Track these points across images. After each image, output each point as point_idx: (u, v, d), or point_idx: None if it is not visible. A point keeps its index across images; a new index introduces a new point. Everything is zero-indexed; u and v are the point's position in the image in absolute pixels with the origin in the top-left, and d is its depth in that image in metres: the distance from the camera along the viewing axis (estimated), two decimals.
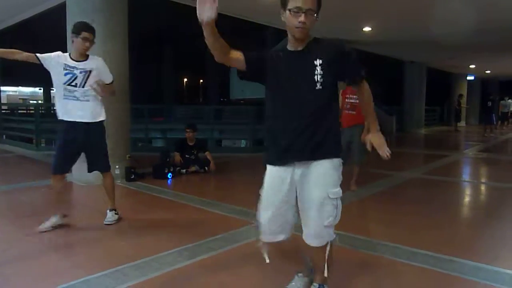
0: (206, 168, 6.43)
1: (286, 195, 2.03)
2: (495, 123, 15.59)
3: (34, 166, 7.44)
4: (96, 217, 3.93)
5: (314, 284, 2.23)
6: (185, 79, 32.02)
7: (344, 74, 2.01)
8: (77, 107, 3.49)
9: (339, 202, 2.05)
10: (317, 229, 2.02)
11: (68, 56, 3.50)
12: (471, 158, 9.41)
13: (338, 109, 2.06)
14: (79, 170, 5.59)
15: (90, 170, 3.75)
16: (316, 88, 1.92)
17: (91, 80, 3.48)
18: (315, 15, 1.89)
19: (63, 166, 3.60)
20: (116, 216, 3.81)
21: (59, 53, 3.52)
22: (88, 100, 3.52)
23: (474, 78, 21.59)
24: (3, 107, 12.11)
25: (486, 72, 19.88)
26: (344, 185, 5.18)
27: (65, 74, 3.44)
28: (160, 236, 3.45)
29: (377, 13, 8.02)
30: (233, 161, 7.48)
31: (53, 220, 3.57)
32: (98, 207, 4.31)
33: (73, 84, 3.46)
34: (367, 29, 9.37)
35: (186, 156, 6.45)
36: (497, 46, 11.45)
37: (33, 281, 2.57)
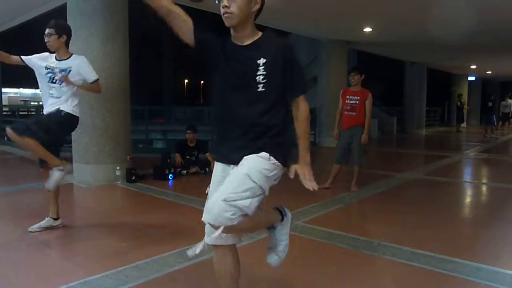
0: (207, 169, 6.42)
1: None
2: (495, 124, 15.57)
3: (34, 168, 7.42)
4: (96, 218, 3.93)
5: None
6: (186, 80, 32.06)
7: (286, 84, 1.79)
8: (53, 103, 3.50)
9: (258, 191, 1.70)
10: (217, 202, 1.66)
11: (54, 57, 3.56)
12: (472, 159, 9.39)
13: (287, 111, 1.83)
14: (78, 171, 5.64)
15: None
16: (258, 90, 1.75)
17: (70, 79, 3.48)
18: None
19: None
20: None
21: (44, 53, 3.58)
22: (60, 97, 3.50)
23: (475, 78, 21.59)
24: (4, 109, 12.12)
25: (487, 72, 19.89)
26: (345, 186, 5.18)
27: (46, 74, 3.51)
28: (161, 237, 3.45)
29: (377, 14, 8.02)
30: None
31: (42, 222, 3.57)
32: (98, 208, 4.32)
33: (53, 82, 3.51)
34: (367, 29, 9.37)
35: (187, 157, 6.46)
36: (497, 47, 11.45)
37: (33, 282, 2.56)
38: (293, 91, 1.82)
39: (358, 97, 5.09)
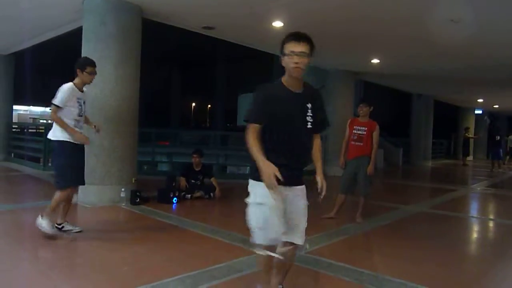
0: (211, 194, 6.41)
1: (278, 206, 2.29)
2: (502, 158, 15.47)
3: (40, 186, 7.47)
4: (98, 240, 3.91)
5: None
6: (193, 104, 32.39)
7: (321, 120, 2.42)
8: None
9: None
10: (303, 232, 2.41)
11: (76, 88, 3.92)
12: (479, 193, 9.29)
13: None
14: (83, 191, 5.64)
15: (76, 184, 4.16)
16: (308, 127, 2.34)
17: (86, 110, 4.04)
18: (307, 57, 2.25)
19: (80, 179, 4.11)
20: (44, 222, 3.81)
21: (70, 87, 3.88)
22: (81, 127, 4.02)
23: (482, 112, 21.61)
24: (13, 126, 12.27)
25: (494, 106, 19.92)
26: (349, 216, 5.14)
27: (78, 107, 3.91)
28: (163, 262, 3.42)
29: (384, 46, 8.15)
30: (237, 188, 7.44)
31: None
32: (101, 229, 4.30)
33: (81, 114, 3.97)
34: (375, 61, 9.50)
35: (192, 181, 6.45)
36: (505, 81, 11.50)
37: None
38: (319, 127, 2.43)
39: (366, 128, 5.11)
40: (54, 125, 3.88)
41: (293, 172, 2.33)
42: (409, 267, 3.55)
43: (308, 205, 2.40)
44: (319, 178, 2.39)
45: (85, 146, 4.04)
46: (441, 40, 6.96)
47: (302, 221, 2.39)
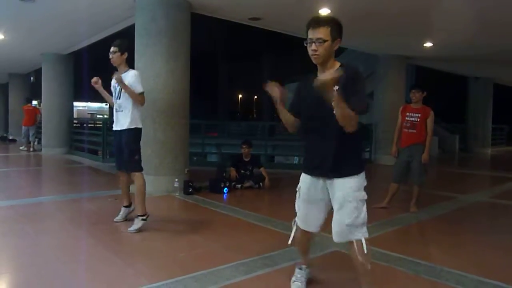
0: (261, 184, 6.48)
1: (319, 196, 2.38)
2: None
3: (100, 177, 7.94)
4: (156, 228, 4.10)
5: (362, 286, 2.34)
6: (240, 95, 32.71)
7: (348, 101, 2.04)
8: (117, 118, 4.04)
9: (360, 204, 2.26)
10: (338, 227, 2.29)
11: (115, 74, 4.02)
12: None
13: (360, 129, 2.20)
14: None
15: (119, 168, 4.24)
16: (334, 112, 2.07)
17: (124, 93, 3.93)
18: (327, 42, 2.17)
19: (119, 164, 4.20)
20: (142, 223, 3.96)
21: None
22: (122, 111, 3.99)
23: None
24: (74, 121, 13.08)
25: None
26: (403, 206, 4.99)
27: (113, 91, 4.05)
28: (217, 250, 3.53)
29: (440, 28, 7.72)
30: (286, 178, 7.47)
31: (121, 213, 4.26)
32: (158, 218, 4.51)
33: (116, 97, 4.02)
34: (428, 44, 9.05)
35: (242, 171, 6.56)
36: None
37: (96, 286, 2.73)
38: (357, 107, 2.08)
39: (419, 115, 4.92)
40: (130, 115, 3.92)
41: (326, 161, 2.25)
42: (470, 259, 3.41)
43: (360, 200, 2.24)
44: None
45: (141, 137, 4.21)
46: (504, 17, 6.49)
47: (340, 217, 2.25)
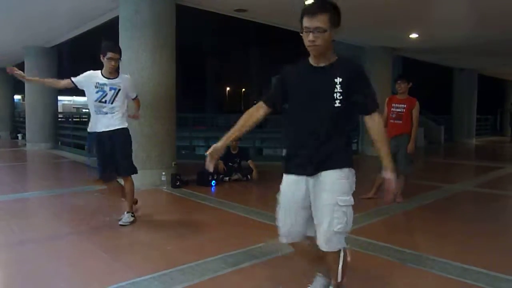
0: (249, 176, 6.49)
1: (301, 201, 2.07)
2: None
3: (86, 172, 7.84)
4: (143, 221, 4.08)
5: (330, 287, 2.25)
6: (228, 88, 32.57)
7: (357, 101, 1.98)
8: (104, 120, 3.80)
9: (350, 210, 2.02)
10: (327, 235, 2.00)
11: (100, 73, 3.80)
12: None
13: (355, 124, 2.00)
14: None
15: (107, 177, 3.99)
16: (335, 105, 1.96)
17: (119, 97, 3.81)
18: (326, 32, 1.92)
19: (109, 169, 3.92)
20: (132, 218, 4.02)
21: (90, 72, 3.83)
22: (113, 113, 3.82)
23: None
24: (59, 116, 12.87)
25: None
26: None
27: (96, 92, 3.76)
28: (204, 242, 3.53)
29: (425, 19, 7.77)
30: (274, 169, 7.47)
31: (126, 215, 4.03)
32: (145, 211, 4.48)
33: (103, 101, 3.77)
34: (413, 35, 9.11)
35: (229, 164, 6.55)
36: None
37: (83, 281, 2.71)
38: (371, 108, 2.01)
39: (405, 105, 4.96)
40: (121, 115, 3.84)
41: (313, 156, 2.00)
42: (454, 247, 3.46)
43: (346, 200, 1.99)
44: (385, 174, 1.99)
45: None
46: (489, 7, 6.55)
47: (324, 220, 1.98)
